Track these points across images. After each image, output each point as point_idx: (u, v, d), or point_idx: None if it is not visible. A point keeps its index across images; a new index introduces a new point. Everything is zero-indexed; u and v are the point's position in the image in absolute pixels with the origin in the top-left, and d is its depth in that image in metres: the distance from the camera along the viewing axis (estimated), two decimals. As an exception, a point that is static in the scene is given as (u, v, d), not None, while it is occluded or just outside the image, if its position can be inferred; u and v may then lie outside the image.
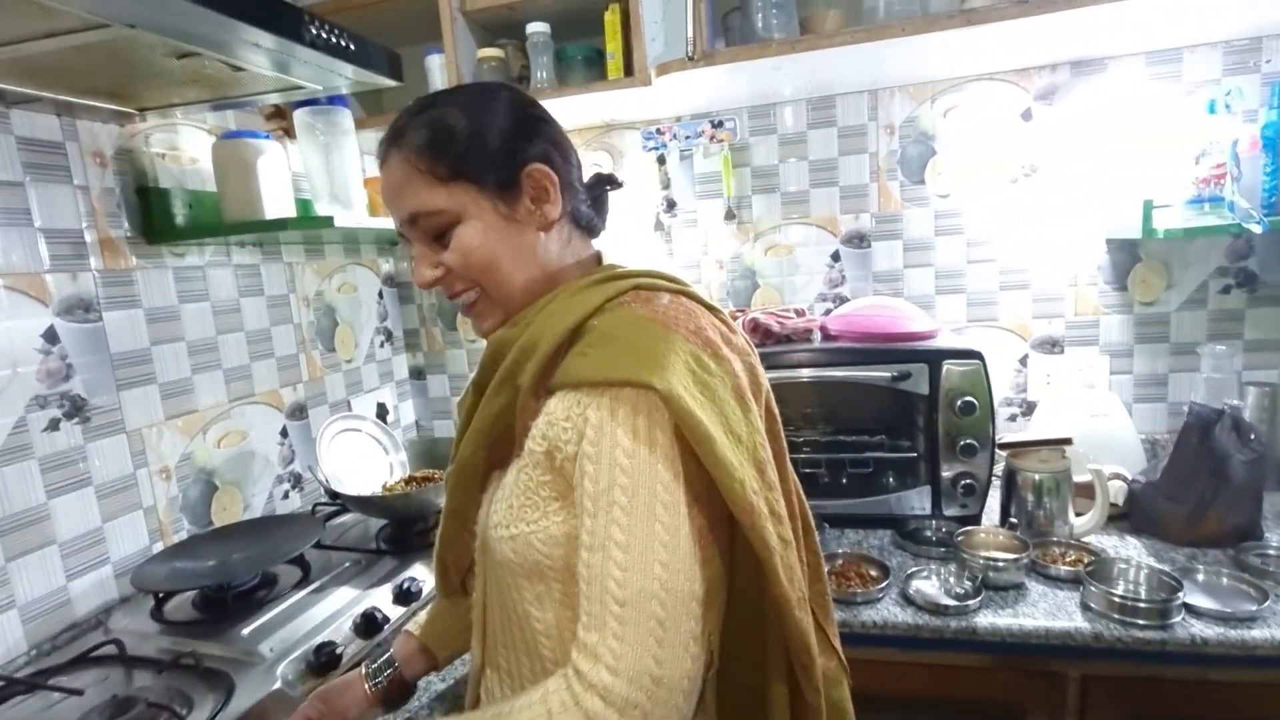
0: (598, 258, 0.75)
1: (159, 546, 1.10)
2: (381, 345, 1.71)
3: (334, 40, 0.81)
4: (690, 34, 1.08)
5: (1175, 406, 1.38)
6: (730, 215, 1.56)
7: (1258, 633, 0.84)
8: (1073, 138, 1.35)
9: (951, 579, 1.02)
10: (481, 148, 0.66)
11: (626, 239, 1.61)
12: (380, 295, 1.72)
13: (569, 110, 1.39)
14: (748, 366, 0.67)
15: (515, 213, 0.66)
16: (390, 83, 0.97)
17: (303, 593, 1.00)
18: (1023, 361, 1.44)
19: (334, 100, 1.17)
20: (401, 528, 1.21)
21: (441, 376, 1.82)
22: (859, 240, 1.50)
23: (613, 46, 1.31)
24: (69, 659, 0.88)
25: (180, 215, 1.16)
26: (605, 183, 0.76)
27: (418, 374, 1.83)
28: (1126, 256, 1.36)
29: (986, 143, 1.40)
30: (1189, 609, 0.89)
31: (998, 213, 1.41)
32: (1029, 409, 1.44)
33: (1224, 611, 0.87)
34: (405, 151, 0.65)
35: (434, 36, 1.33)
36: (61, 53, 0.74)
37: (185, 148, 1.19)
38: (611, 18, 1.29)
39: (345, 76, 0.92)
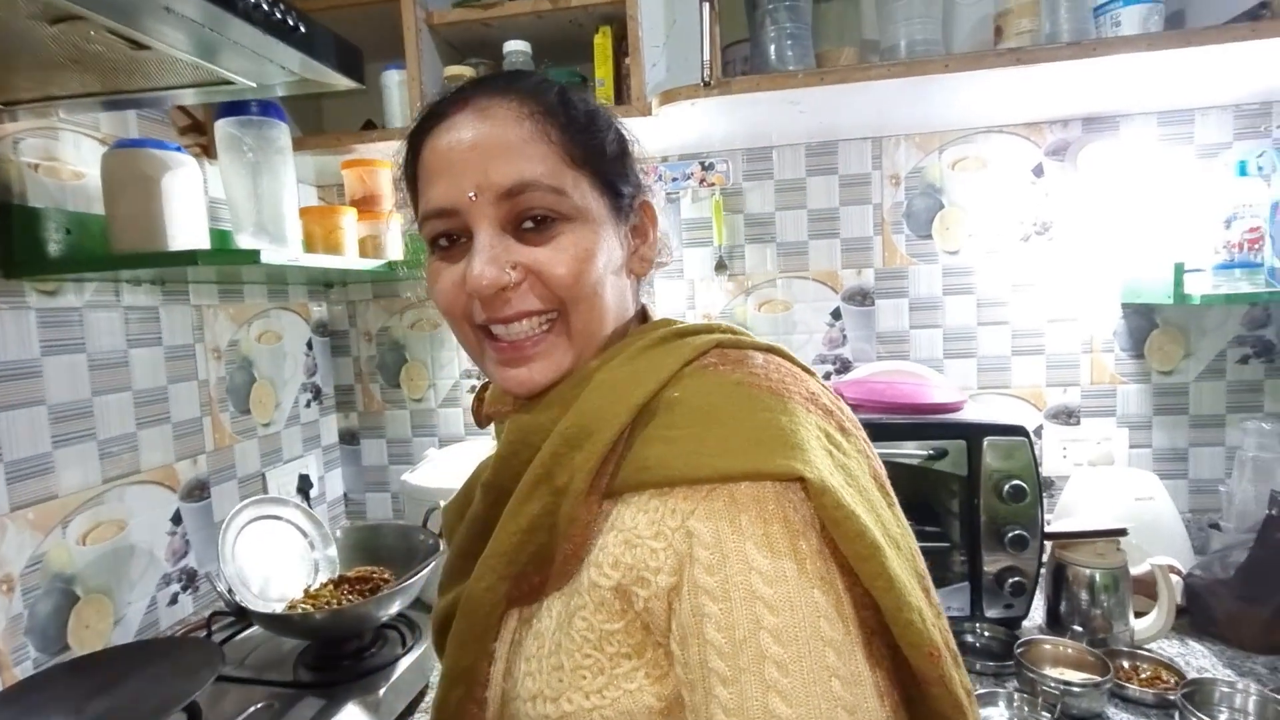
0: (643, 310, 0.59)
1: (-17, 690, 0.79)
2: (308, 405, 1.45)
3: (276, 15, 0.61)
4: (707, 57, 0.93)
5: (1196, 484, 1.29)
6: (721, 266, 1.40)
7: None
8: (1086, 196, 1.28)
9: (1025, 708, 0.84)
10: (616, 151, 0.54)
11: (604, 288, 1.43)
12: (309, 346, 1.46)
13: (548, 141, 1.22)
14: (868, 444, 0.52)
15: (625, 243, 0.55)
16: (346, 83, 0.77)
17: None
18: (1037, 433, 1.33)
19: (267, 110, 0.96)
20: (327, 648, 0.94)
21: (379, 441, 1.55)
22: (861, 297, 1.38)
23: (602, 72, 1.15)
24: None
25: (54, 242, 0.90)
26: None
27: (350, 438, 1.56)
28: (1144, 322, 1.29)
29: (997, 198, 1.31)
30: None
31: (1009, 272, 1.32)
32: (1047, 485, 1.32)
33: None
34: (532, 105, 0.51)
35: (394, 51, 1.14)
36: None
37: (66, 158, 0.94)
38: (602, 40, 1.14)
39: (288, 69, 0.71)
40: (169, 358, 1.08)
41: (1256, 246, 1.07)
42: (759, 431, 0.43)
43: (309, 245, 1.11)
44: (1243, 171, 1.09)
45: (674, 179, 1.39)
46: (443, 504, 0.66)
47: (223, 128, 0.95)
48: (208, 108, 1.11)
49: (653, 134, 1.20)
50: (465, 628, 0.49)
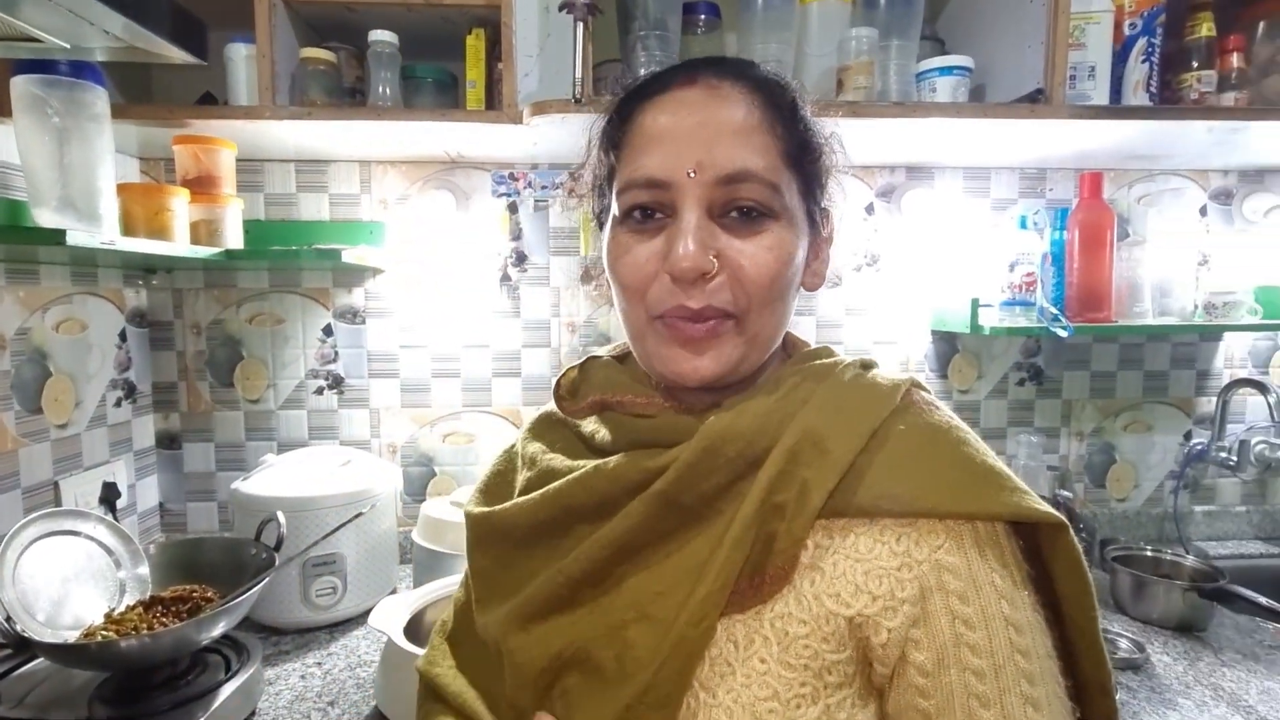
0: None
1: None
2: (118, 404, 1.28)
3: (103, -25, 0.55)
4: (579, 73, 0.96)
5: (984, 486, 1.51)
6: (587, 277, 1.43)
7: None
8: (907, 235, 1.46)
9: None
10: (825, 161, 0.54)
11: (467, 290, 1.41)
12: (122, 338, 1.29)
13: (409, 138, 1.18)
14: None
15: (806, 253, 0.53)
16: (180, 55, 0.70)
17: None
18: (862, 442, 1.49)
19: (83, 72, 0.84)
20: (133, 679, 0.84)
21: (205, 445, 1.41)
22: (717, 314, 1.46)
23: (474, 74, 1.14)
24: None
25: None
26: None
27: (169, 441, 1.40)
28: (948, 347, 1.49)
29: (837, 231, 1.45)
30: None
31: (844, 298, 1.47)
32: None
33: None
34: (764, 96, 0.49)
35: (243, 22, 1.05)
36: None
37: None
38: (475, 42, 1.13)
39: (108, 32, 0.64)
40: (-66, 346, 0.92)
41: (1031, 288, 1.28)
42: (987, 472, 0.45)
43: (128, 226, 0.99)
44: (1023, 225, 1.30)
45: (543, 187, 1.40)
46: (470, 508, 0.59)
47: (20, 85, 0.82)
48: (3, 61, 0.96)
49: (524, 142, 1.20)
50: (670, 679, 0.43)
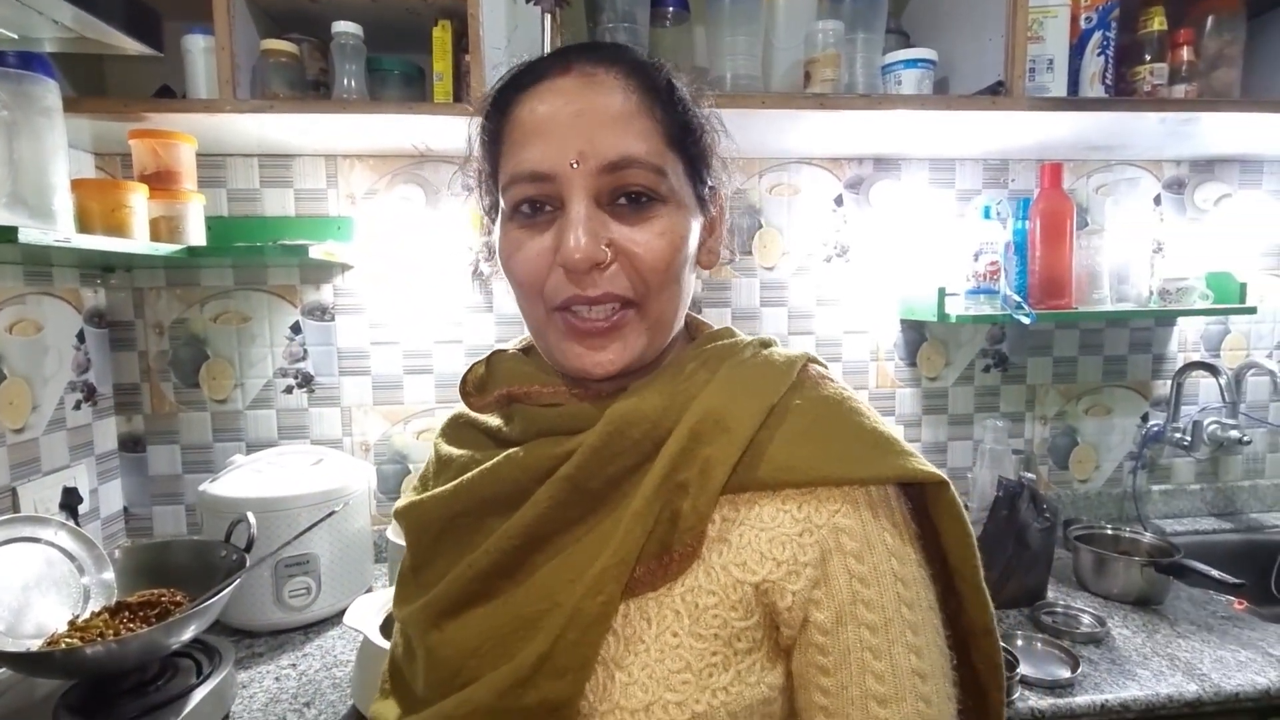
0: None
1: None
2: (77, 406, 1.24)
3: (52, -37, 0.53)
4: (548, 66, 0.95)
5: (952, 472, 1.54)
6: (475, 274, 1.43)
7: (1080, 699, 0.91)
8: (876, 226, 1.48)
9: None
10: (708, 140, 0.53)
11: (438, 285, 1.40)
12: (80, 339, 1.26)
13: (376, 132, 1.17)
14: None
15: (698, 234, 0.53)
16: (134, 46, 0.68)
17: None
18: (834, 430, 1.51)
19: (32, 63, 0.82)
20: (100, 686, 0.82)
21: (170, 447, 1.38)
22: (690, 306, 1.47)
23: (441, 66, 1.13)
24: None
25: None
26: None
27: (133, 444, 1.37)
28: (916, 336, 1.52)
29: (806, 222, 1.47)
30: (1024, 682, 0.93)
31: (815, 288, 1.49)
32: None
33: (1050, 680, 0.93)
34: (640, 80, 0.49)
35: (200, 12, 1.02)
36: None
37: None
38: (441, 35, 1.12)
39: (58, 22, 0.62)
40: (-121, 350, 0.88)
41: (995, 277, 1.31)
42: (877, 438, 0.48)
43: (84, 223, 0.96)
44: (987, 215, 1.33)
45: (513, 180, 1.39)
46: (398, 504, 0.59)
47: (-35, 78, 0.79)
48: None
49: (492, 134, 1.19)
50: (566, 651, 0.44)
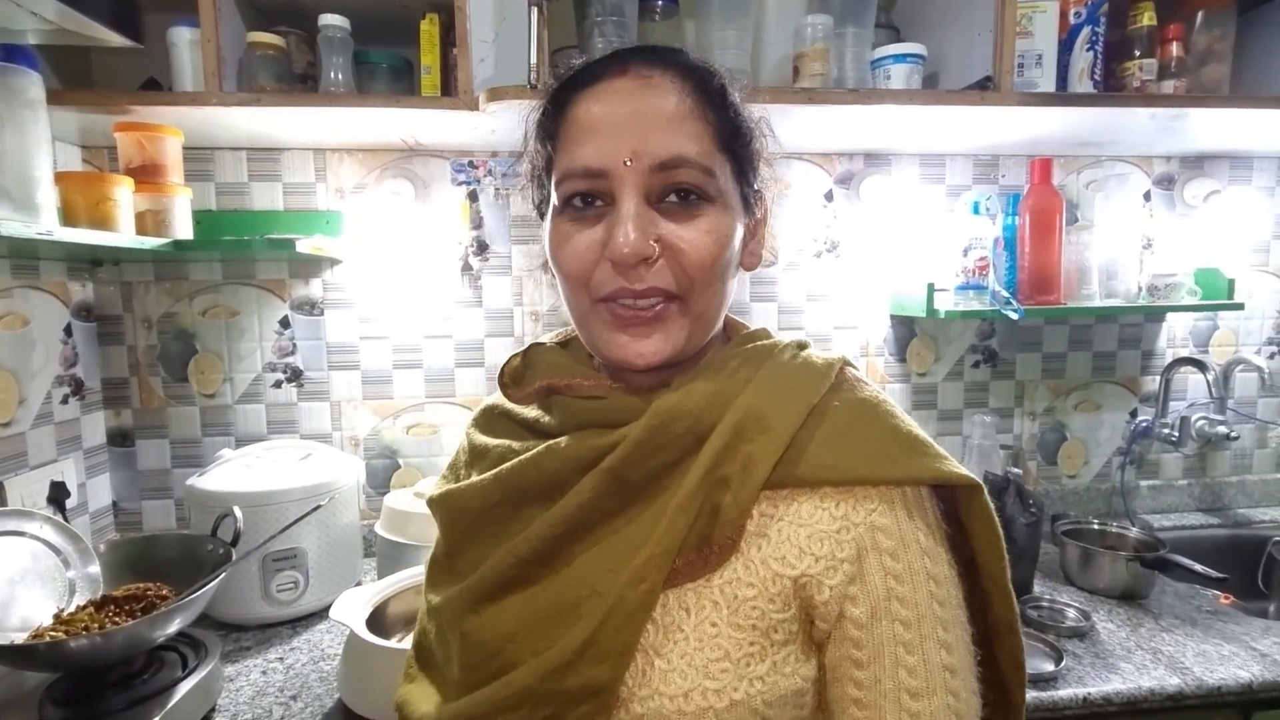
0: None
1: None
2: (65, 401, 1.24)
3: (27, -46, 0.53)
4: (534, 59, 0.95)
5: (942, 466, 1.54)
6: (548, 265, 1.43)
7: (1063, 692, 0.91)
8: (866, 221, 1.48)
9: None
10: (752, 139, 0.54)
11: (427, 280, 1.39)
12: (68, 332, 1.25)
13: (364, 125, 1.16)
14: None
15: (743, 234, 0.54)
16: (115, 38, 0.69)
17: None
18: (824, 425, 1.52)
19: (15, 56, 0.81)
20: (85, 679, 0.82)
21: (159, 441, 1.37)
22: (680, 301, 1.47)
23: (429, 60, 1.13)
24: None
25: None
26: None
27: (122, 438, 1.36)
28: (906, 331, 1.52)
29: (797, 218, 1.47)
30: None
31: (805, 284, 1.49)
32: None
33: (1033, 673, 0.93)
34: (694, 82, 0.51)
35: (186, 5, 1.01)
36: None
37: None
38: (429, 28, 1.12)
39: (39, 15, 0.62)
40: None
41: (984, 272, 1.31)
42: (912, 441, 0.49)
43: (69, 217, 0.96)
44: (976, 211, 1.33)
45: (503, 175, 1.39)
46: (431, 493, 0.60)
47: (-54, 70, 0.79)
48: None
49: (481, 129, 1.19)
50: (608, 637, 0.45)
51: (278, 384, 1.38)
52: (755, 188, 0.55)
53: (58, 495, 1.22)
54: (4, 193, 0.83)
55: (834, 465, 0.47)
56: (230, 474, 1.14)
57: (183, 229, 1.11)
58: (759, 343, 0.56)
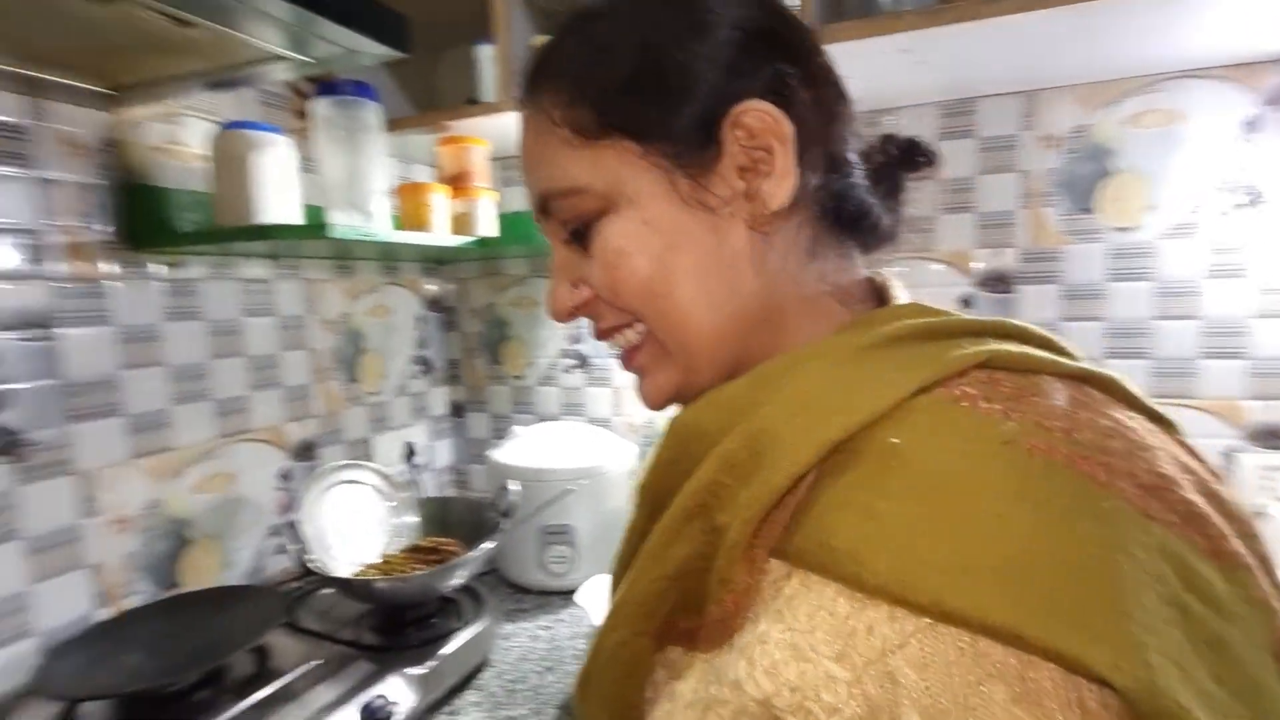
0: (873, 289, 0.43)
1: (103, 614, 0.91)
2: (416, 377, 1.52)
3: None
4: (798, 2, 0.81)
5: None
6: None
7: None
8: (1321, 155, 0.98)
9: None
10: (655, 73, 0.38)
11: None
12: (420, 321, 1.53)
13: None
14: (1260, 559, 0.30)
15: (707, 192, 0.38)
16: (384, 50, 0.76)
17: (249, 701, 0.77)
18: (1229, 457, 1.06)
19: (359, 90, 0.98)
20: (391, 617, 0.97)
21: (482, 415, 1.60)
22: (998, 282, 1.17)
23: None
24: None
25: (178, 219, 1.00)
26: (906, 154, 0.45)
27: (457, 410, 1.62)
28: (1402, 321, 0.97)
29: (1188, 161, 1.05)
30: None
31: (1201, 253, 1.05)
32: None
33: None
34: (539, 95, 0.41)
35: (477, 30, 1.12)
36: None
37: (190, 142, 1.03)
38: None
39: (334, 43, 0.71)
40: (282, 327, 1.17)
41: None
42: (1037, 554, 0.26)
43: (404, 222, 1.14)
44: None
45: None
46: (640, 470, 0.61)
47: (319, 108, 0.99)
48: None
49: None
50: (596, 676, 0.41)
51: (569, 369, 1.49)
52: (708, 117, 0.37)
53: (410, 453, 1.49)
54: (352, 205, 1.01)
55: (845, 549, 0.28)
56: (518, 449, 1.25)
57: (487, 228, 1.25)
58: (841, 328, 0.39)
